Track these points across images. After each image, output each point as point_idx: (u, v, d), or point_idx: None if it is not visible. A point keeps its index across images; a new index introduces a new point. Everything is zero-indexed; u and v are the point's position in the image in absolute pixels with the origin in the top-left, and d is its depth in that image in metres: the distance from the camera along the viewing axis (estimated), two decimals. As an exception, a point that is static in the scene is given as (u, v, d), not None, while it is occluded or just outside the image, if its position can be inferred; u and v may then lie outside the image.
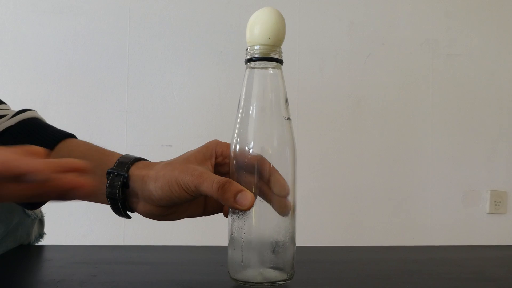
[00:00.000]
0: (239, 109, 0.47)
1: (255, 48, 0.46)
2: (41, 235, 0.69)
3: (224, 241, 0.48)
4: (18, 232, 0.63)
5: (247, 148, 0.45)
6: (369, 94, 1.68)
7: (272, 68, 0.47)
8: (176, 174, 0.45)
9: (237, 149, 0.46)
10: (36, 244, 0.68)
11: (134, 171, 0.47)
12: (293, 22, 1.65)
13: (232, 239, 0.46)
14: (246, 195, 0.43)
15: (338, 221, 1.65)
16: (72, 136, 0.55)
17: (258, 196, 0.45)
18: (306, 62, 1.65)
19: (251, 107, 0.46)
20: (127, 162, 0.48)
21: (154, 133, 1.59)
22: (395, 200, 1.69)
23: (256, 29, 0.45)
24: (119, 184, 0.47)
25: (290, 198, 0.46)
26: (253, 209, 0.45)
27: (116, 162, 0.48)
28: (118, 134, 1.57)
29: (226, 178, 0.44)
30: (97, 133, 1.56)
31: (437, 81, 1.72)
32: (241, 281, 0.45)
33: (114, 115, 1.58)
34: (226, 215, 0.47)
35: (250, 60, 0.46)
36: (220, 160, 0.49)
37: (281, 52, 0.47)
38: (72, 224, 1.53)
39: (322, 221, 1.63)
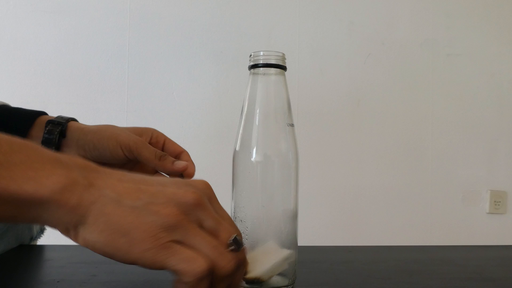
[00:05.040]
0: (242, 114, 0.47)
1: (260, 54, 0.46)
2: (42, 230, 0.69)
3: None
4: (19, 226, 0.63)
5: (249, 154, 0.45)
6: (369, 94, 1.68)
7: (276, 74, 0.47)
8: (118, 133, 0.49)
9: (240, 154, 0.46)
10: (37, 240, 0.68)
11: (74, 124, 0.52)
12: (293, 22, 1.65)
13: None
14: (181, 162, 0.50)
15: (338, 221, 1.65)
16: (42, 113, 0.55)
17: (260, 202, 0.45)
18: (306, 62, 1.65)
19: (254, 113, 0.46)
20: (67, 117, 0.53)
21: (154, 133, 1.58)
22: (395, 200, 1.68)
23: None
24: (57, 131, 0.50)
25: (292, 204, 0.46)
26: (255, 215, 0.45)
27: (57, 116, 0.52)
28: (118, 134, 1.57)
29: (164, 152, 0.51)
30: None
31: (437, 81, 1.72)
32: (243, 286, 0.45)
33: (114, 115, 1.58)
34: None
35: (254, 66, 0.46)
36: (153, 143, 0.53)
37: (285, 59, 0.47)
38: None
39: (322, 221, 1.63)
